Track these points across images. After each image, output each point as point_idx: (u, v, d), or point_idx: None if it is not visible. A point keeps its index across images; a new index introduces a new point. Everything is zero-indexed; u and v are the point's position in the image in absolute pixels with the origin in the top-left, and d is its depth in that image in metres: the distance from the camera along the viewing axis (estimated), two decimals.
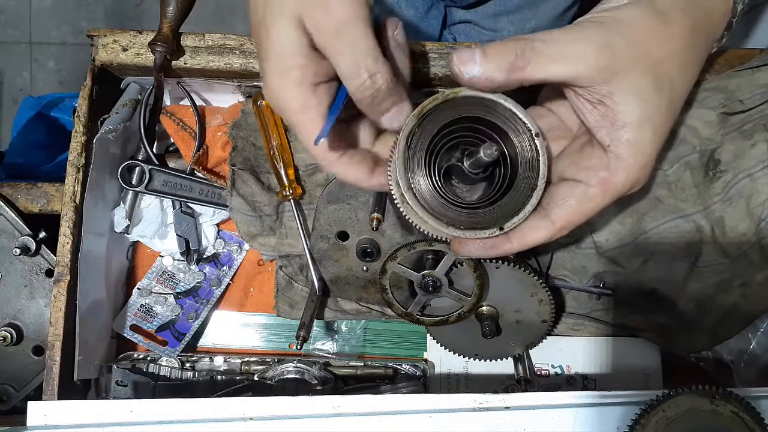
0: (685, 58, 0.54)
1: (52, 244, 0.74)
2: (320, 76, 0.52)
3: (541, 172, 0.53)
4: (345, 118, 0.57)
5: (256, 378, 0.75)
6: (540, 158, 0.53)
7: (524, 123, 0.53)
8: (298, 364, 0.75)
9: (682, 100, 0.56)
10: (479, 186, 0.58)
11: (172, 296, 0.78)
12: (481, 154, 0.51)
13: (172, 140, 0.78)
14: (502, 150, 0.53)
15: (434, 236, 0.56)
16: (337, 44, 0.49)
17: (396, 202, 0.55)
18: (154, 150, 0.76)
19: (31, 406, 0.59)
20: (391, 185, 0.55)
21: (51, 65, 2.23)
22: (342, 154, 0.55)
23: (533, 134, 0.53)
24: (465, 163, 0.54)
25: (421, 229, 0.56)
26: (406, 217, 0.56)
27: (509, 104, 0.53)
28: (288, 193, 0.71)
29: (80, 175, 0.69)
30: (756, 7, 0.94)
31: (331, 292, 0.74)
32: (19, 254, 0.74)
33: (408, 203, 0.53)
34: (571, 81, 0.51)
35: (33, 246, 0.75)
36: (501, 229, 0.53)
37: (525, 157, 0.53)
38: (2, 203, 0.75)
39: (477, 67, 0.49)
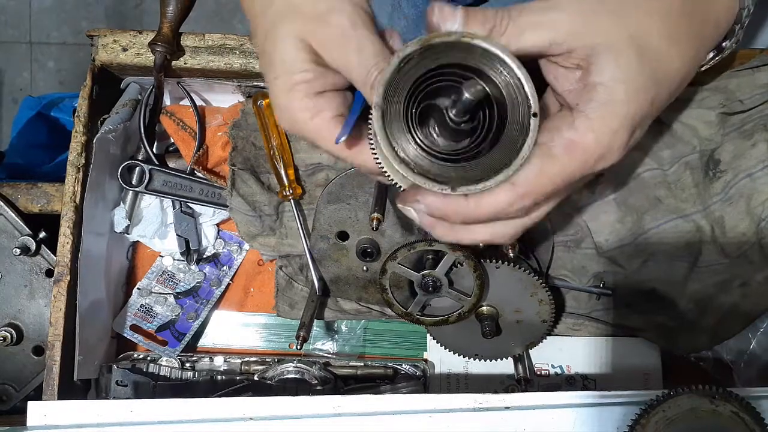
0: (674, 28, 0.51)
1: (52, 244, 0.74)
2: (327, 86, 0.52)
3: (532, 107, 0.47)
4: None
5: (256, 378, 0.75)
6: (530, 99, 0.47)
7: (526, 96, 0.48)
8: (298, 364, 0.75)
9: (674, 78, 0.52)
10: (461, 143, 0.52)
11: (172, 296, 0.78)
12: (465, 94, 0.46)
13: (172, 140, 0.78)
14: (485, 88, 0.48)
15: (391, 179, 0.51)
16: (344, 55, 0.49)
17: (376, 156, 0.51)
18: (154, 150, 0.76)
19: (31, 406, 0.59)
20: (371, 141, 0.51)
21: (51, 65, 2.23)
22: (361, 146, 0.54)
23: (531, 112, 0.47)
24: (449, 112, 0.49)
25: (385, 173, 0.51)
26: (380, 167, 0.51)
27: (519, 71, 0.47)
28: (288, 193, 0.71)
29: (80, 175, 0.69)
30: (755, 7, 0.94)
31: (331, 292, 0.74)
32: (19, 254, 0.74)
33: (374, 127, 0.48)
34: (546, 50, 0.49)
35: (33, 246, 0.75)
36: (479, 181, 0.47)
37: (513, 102, 0.48)
38: (2, 203, 0.75)
39: (456, 26, 0.47)
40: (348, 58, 0.49)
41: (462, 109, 0.48)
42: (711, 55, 0.59)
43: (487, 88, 0.48)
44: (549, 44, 0.49)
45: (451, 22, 0.47)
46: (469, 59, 0.48)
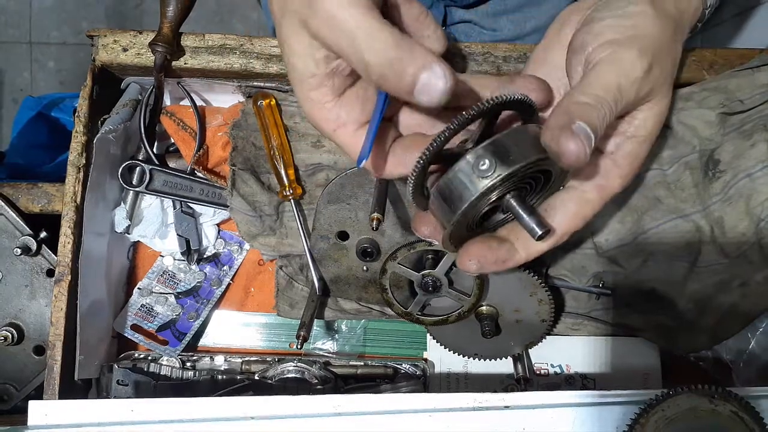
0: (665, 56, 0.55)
1: (52, 244, 0.74)
2: (345, 83, 0.50)
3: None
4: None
5: (256, 377, 0.76)
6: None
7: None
8: (299, 364, 0.75)
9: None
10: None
11: (173, 296, 0.78)
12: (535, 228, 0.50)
13: (173, 140, 0.78)
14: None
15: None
16: (338, 38, 0.45)
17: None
18: (155, 150, 0.76)
19: (32, 405, 0.59)
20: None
21: (51, 65, 2.23)
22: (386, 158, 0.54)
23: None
24: (514, 201, 0.51)
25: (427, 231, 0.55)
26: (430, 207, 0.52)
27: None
28: (288, 193, 0.71)
29: (81, 175, 0.69)
30: (755, 7, 0.94)
31: (331, 292, 0.74)
32: (20, 254, 0.74)
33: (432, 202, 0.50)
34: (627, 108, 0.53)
35: (34, 246, 0.75)
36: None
37: None
38: (3, 203, 0.75)
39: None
40: (341, 41, 0.44)
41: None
42: None
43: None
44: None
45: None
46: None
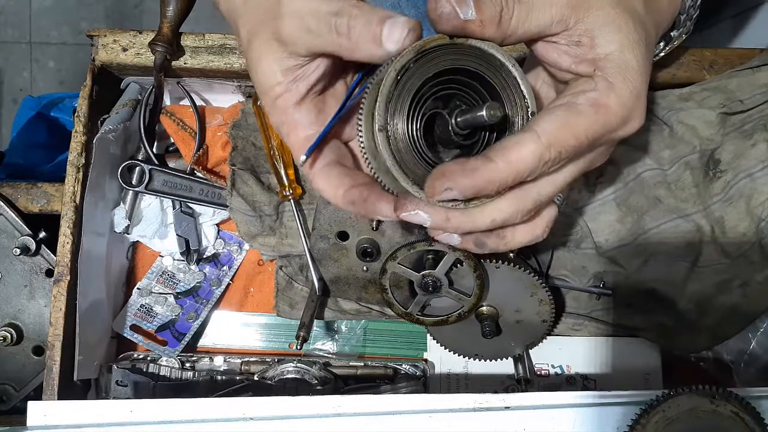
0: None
1: (52, 244, 0.74)
2: (310, 89, 0.52)
3: (529, 107, 0.48)
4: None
5: (256, 378, 0.75)
6: (527, 99, 0.48)
7: (523, 96, 0.48)
8: (298, 364, 0.75)
9: (652, 46, 0.53)
10: (452, 153, 0.52)
11: (172, 296, 0.78)
12: (483, 113, 0.45)
13: (172, 140, 0.78)
14: (504, 115, 0.47)
15: (387, 187, 0.51)
16: (308, 26, 0.47)
17: (361, 142, 0.50)
18: (154, 150, 0.76)
19: (31, 406, 0.59)
20: (360, 123, 0.49)
21: (51, 65, 2.23)
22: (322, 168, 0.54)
23: (529, 112, 0.48)
24: (455, 119, 0.48)
25: (378, 178, 0.51)
26: (366, 161, 0.50)
27: (516, 71, 0.48)
28: (288, 193, 0.71)
29: (80, 175, 0.69)
30: (755, 7, 0.94)
31: (331, 292, 0.74)
32: (19, 254, 0.74)
33: (378, 144, 0.47)
34: (547, 29, 0.48)
35: (33, 246, 0.75)
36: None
37: (513, 106, 0.48)
38: (2, 203, 0.75)
39: (471, 9, 0.46)
40: (311, 32, 0.47)
41: (471, 125, 0.48)
42: (661, 45, 0.61)
43: (502, 109, 0.47)
44: (551, 23, 0.48)
45: (465, 8, 0.46)
46: (465, 62, 0.48)
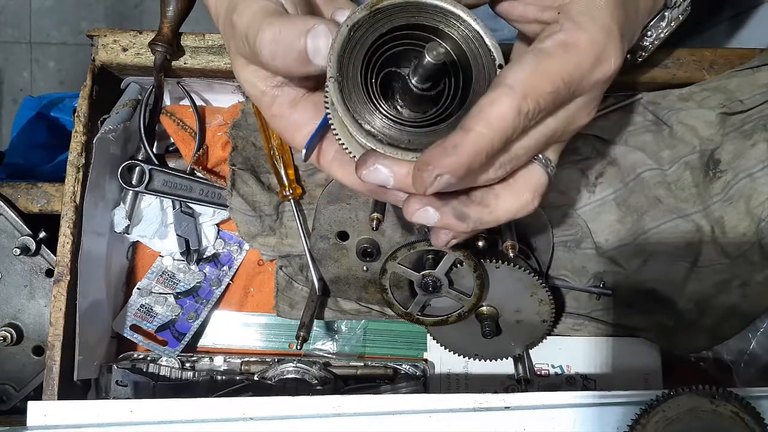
0: None
1: (52, 244, 0.74)
2: (299, 91, 0.51)
3: (496, 60, 0.46)
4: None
5: (256, 378, 0.75)
6: (493, 52, 0.46)
7: (488, 49, 0.46)
8: (298, 364, 0.75)
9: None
10: (422, 110, 0.50)
11: (172, 296, 0.78)
12: (426, 57, 0.43)
13: (172, 140, 0.78)
14: (448, 49, 0.45)
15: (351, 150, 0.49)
16: (250, 46, 0.46)
17: (327, 111, 0.47)
18: (154, 150, 0.76)
19: (31, 406, 0.59)
20: (328, 109, 0.47)
21: (51, 65, 2.23)
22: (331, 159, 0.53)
23: (496, 64, 0.46)
24: (412, 79, 0.46)
25: (341, 143, 0.48)
26: (342, 144, 0.48)
27: (477, 25, 0.46)
28: (288, 193, 0.71)
29: (80, 175, 0.69)
30: (755, 7, 0.94)
31: (331, 292, 0.74)
32: (19, 254, 0.74)
33: (331, 96, 0.45)
34: None
35: (33, 246, 0.75)
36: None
37: (476, 57, 0.46)
38: (2, 203, 0.75)
39: None
40: (253, 51, 0.46)
41: (425, 75, 0.46)
42: (662, 24, 0.59)
43: (448, 48, 0.45)
44: None
45: None
46: (423, 19, 0.46)
